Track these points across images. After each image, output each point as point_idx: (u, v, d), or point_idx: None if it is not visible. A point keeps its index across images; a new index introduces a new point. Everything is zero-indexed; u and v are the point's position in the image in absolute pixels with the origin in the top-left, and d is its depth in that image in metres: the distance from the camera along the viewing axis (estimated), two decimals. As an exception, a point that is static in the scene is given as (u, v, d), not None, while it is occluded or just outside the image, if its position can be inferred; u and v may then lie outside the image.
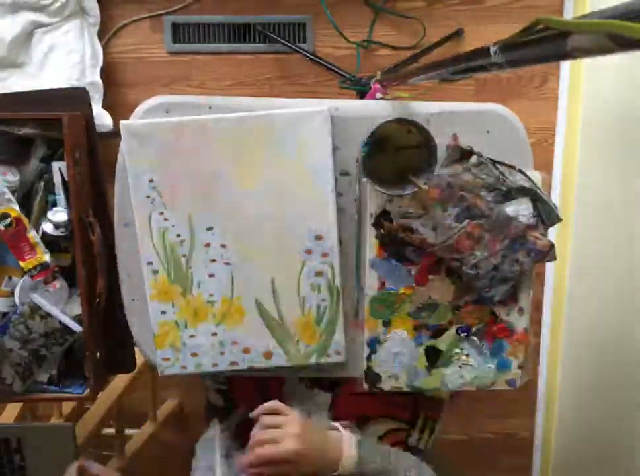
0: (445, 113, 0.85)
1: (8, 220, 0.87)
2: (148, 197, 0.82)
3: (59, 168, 0.89)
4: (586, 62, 1.49)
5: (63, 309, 0.93)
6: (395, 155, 0.82)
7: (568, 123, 1.61)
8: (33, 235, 0.89)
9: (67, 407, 1.31)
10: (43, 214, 0.91)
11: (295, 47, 1.51)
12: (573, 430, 1.65)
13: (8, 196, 0.88)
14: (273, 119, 0.81)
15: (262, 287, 0.86)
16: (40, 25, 1.45)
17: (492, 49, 0.52)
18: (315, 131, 0.81)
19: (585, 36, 0.38)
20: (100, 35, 1.55)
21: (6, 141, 0.89)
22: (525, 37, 0.46)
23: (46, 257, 0.90)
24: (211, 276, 0.85)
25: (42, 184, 0.91)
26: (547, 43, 0.43)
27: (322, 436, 0.74)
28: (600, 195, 1.49)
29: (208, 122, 0.80)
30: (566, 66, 1.59)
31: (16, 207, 0.88)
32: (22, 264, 0.89)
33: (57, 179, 0.90)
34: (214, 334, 0.87)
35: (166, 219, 0.83)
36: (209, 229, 0.84)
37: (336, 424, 0.77)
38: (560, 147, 1.63)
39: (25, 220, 0.88)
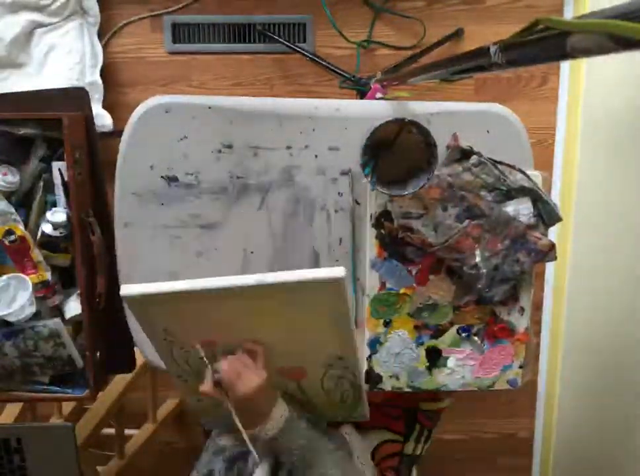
0: (445, 113, 0.85)
1: (13, 237, 0.88)
2: (165, 339, 0.77)
3: (59, 169, 0.89)
4: (586, 62, 1.49)
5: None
6: (395, 156, 0.82)
7: (568, 123, 1.61)
8: (36, 254, 0.90)
9: (67, 407, 1.31)
10: (42, 214, 0.91)
11: (295, 47, 1.51)
12: (573, 429, 1.65)
13: (15, 216, 0.89)
14: (286, 285, 0.70)
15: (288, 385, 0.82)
16: (40, 25, 1.45)
17: (492, 49, 0.52)
18: (329, 299, 0.71)
19: (585, 36, 0.38)
20: (100, 35, 1.54)
21: (6, 141, 0.89)
22: (525, 37, 0.46)
23: (48, 275, 0.91)
24: None
25: (42, 184, 0.91)
26: (547, 43, 0.43)
27: (269, 392, 0.75)
28: (600, 195, 1.49)
29: (217, 294, 0.71)
30: (566, 66, 1.59)
31: (22, 226, 0.89)
32: (23, 277, 0.90)
33: (56, 179, 0.90)
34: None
35: (187, 351, 0.78)
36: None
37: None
38: (561, 147, 1.63)
39: (30, 240, 0.89)
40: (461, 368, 0.91)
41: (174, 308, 0.73)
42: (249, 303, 0.72)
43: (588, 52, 0.39)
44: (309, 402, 0.85)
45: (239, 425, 0.72)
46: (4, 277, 0.90)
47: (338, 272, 0.68)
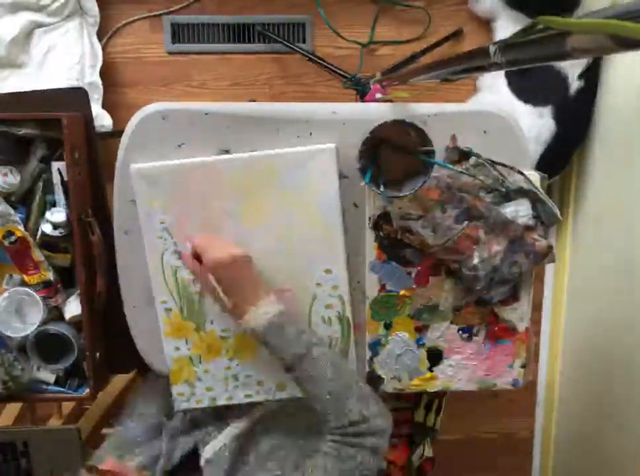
0: (442, 114, 0.85)
1: (13, 238, 0.88)
2: (160, 237, 0.82)
3: (58, 169, 0.89)
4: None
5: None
6: (392, 157, 0.82)
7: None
8: (38, 255, 0.90)
9: (67, 408, 1.31)
10: (42, 214, 0.91)
11: (295, 48, 1.51)
12: (573, 429, 1.65)
13: (14, 217, 0.89)
14: (280, 159, 0.81)
15: None
16: (40, 25, 1.45)
17: (491, 49, 0.51)
18: (321, 168, 0.81)
19: (585, 36, 0.38)
20: (100, 35, 1.54)
21: (6, 142, 0.89)
22: (525, 36, 0.46)
23: (50, 275, 0.91)
24: (223, 311, 0.83)
25: (41, 184, 0.91)
26: (547, 43, 0.43)
27: (256, 279, 0.77)
28: (600, 195, 1.49)
29: (216, 163, 0.81)
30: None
31: (21, 227, 0.89)
32: (25, 277, 0.91)
33: (56, 179, 0.90)
34: (228, 368, 0.87)
35: (178, 258, 0.83)
36: None
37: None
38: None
39: (30, 240, 0.89)
40: (463, 368, 0.91)
41: (175, 190, 0.80)
42: (243, 184, 0.81)
43: (588, 52, 0.39)
44: None
45: (223, 296, 0.74)
46: (12, 291, 0.90)
47: (330, 144, 0.80)
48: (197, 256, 0.77)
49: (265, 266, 0.83)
